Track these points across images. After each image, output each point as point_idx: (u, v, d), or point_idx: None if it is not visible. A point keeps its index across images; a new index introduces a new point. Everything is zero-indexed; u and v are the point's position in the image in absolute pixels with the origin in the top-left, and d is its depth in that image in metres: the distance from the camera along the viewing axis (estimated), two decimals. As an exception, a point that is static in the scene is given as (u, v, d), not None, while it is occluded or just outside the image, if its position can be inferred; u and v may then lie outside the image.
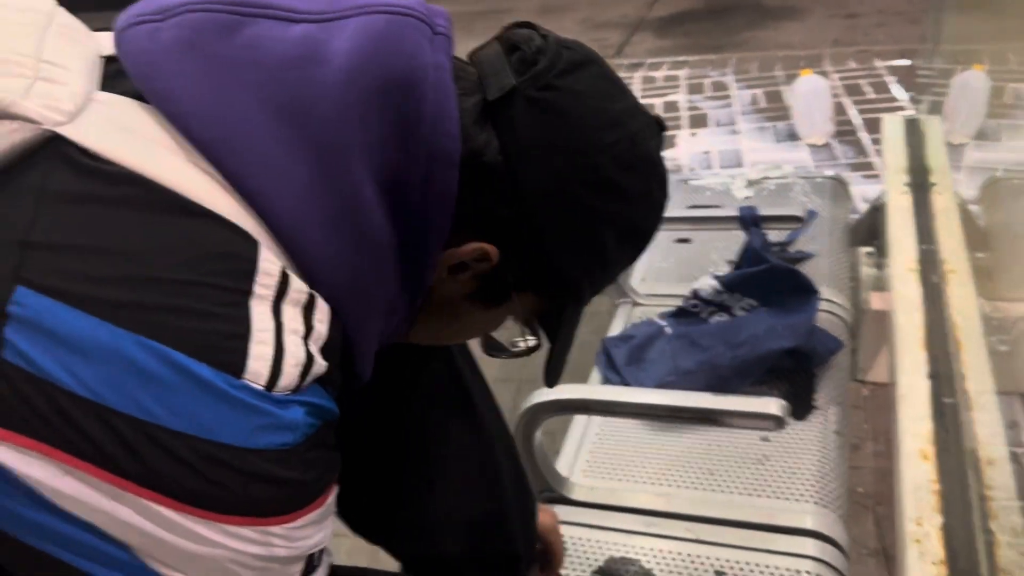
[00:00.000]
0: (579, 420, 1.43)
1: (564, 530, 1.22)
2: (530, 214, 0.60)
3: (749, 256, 1.53)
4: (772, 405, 1.08)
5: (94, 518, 0.46)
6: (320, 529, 0.55)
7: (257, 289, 0.49)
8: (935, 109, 2.70)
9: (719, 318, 1.52)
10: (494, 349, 0.76)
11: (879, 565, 1.65)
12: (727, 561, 1.14)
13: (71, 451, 0.45)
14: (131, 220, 0.48)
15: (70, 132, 0.48)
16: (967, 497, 1.16)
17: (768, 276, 1.47)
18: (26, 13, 0.55)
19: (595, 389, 1.28)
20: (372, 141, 0.54)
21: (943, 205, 1.80)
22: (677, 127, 3.66)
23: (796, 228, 1.66)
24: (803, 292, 1.46)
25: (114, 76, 0.54)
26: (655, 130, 0.65)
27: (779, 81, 3.93)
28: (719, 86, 4.02)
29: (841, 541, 1.18)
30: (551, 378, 0.73)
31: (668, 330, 1.52)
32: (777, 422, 1.08)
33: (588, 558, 1.17)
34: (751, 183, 2.05)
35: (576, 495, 1.27)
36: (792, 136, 3.34)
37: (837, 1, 5.30)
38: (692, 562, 1.15)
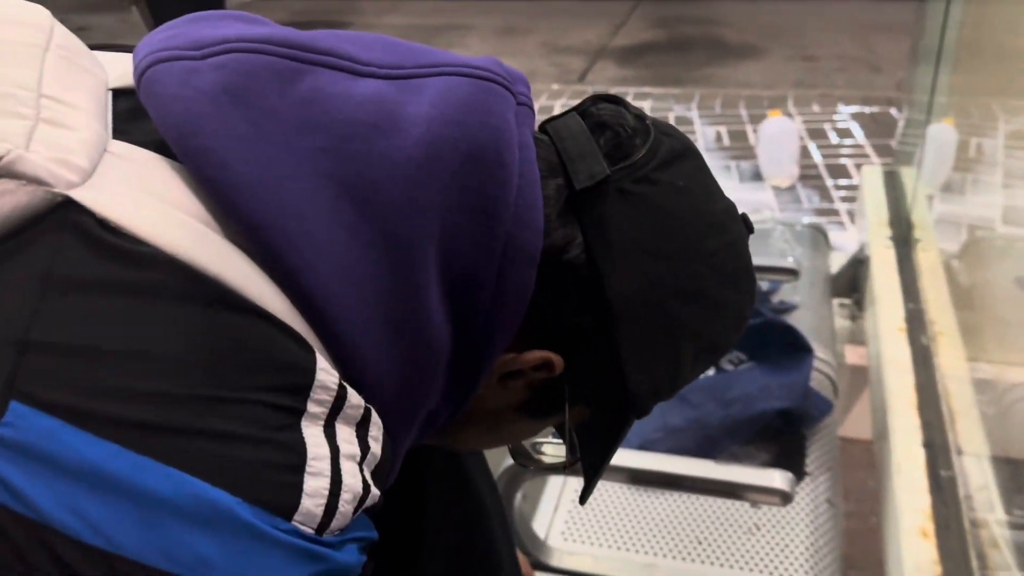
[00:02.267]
0: (555, 479, 1.33)
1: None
2: (610, 323, 0.51)
3: (741, 308, 1.46)
4: (778, 479, 1.00)
5: None
6: None
7: (311, 407, 0.39)
8: (906, 160, 2.69)
9: (707, 373, 1.44)
10: (522, 457, 0.66)
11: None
12: (719, 644, 1.05)
13: None
14: (161, 316, 0.37)
15: (84, 196, 0.37)
16: (971, 581, 1.10)
17: (761, 330, 1.40)
18: (17, 28, 0.43)
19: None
20: (446, 230, 0.44)
21: (929, 262, 1.77)
22: (640, 159, 3.61)
23: (785, 280, 1.59)
24: (796, 349, 1.39)
25: (127, 117, 0.43)
26: (746, 233, 0.57)
27: (743, 120, 3.93)
28: (683, 120, 3.99)
29: (838, 626, 1.10)
30: (585, 497, 0.65)
31: (651, 381, 1.44)
32: (784, 497, 1.00)
33: (568, 635, 1.08)
34: (730, 226, 1.98)
35: (554, 561, 1.17)
36: (756, 176, 3.32)
37: (795, 43, 5.36)
38: (682, 644, 1.06)
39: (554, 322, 0.51)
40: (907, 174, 2.13)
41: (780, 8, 6.24)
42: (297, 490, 0.37)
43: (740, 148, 3.61)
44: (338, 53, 0.46)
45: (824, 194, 3.15)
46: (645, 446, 1.29)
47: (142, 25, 3.01)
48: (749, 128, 3.74)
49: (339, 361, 0.42)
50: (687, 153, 0.53)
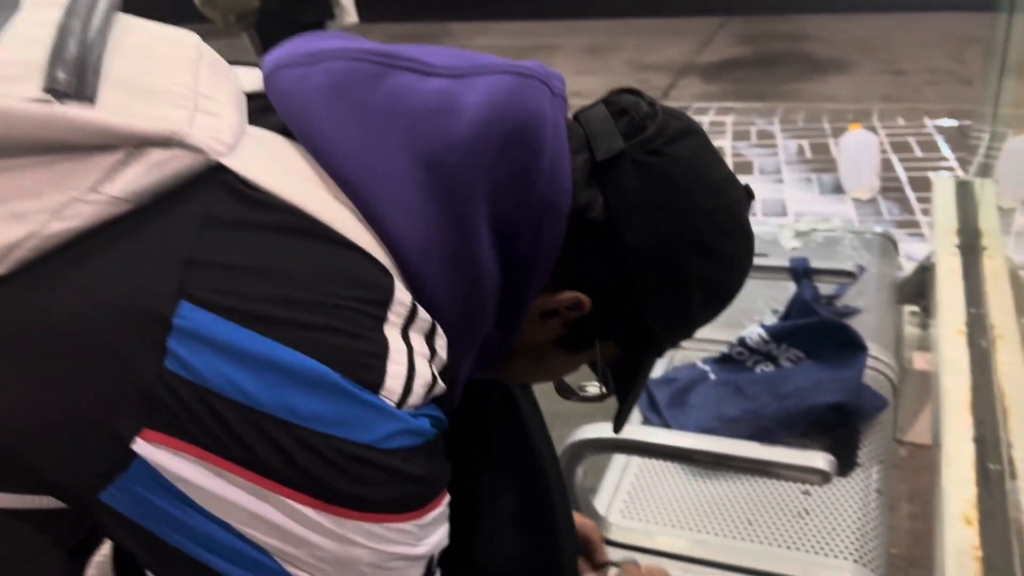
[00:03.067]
0: (619, 459, 1.43)
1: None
2: (628, 270, 0.63)
3: (798, 307, 1.53)
4: (819, 459, 1.08)
5: (236, 518, 0.49)
6: (440, 528, 0.59)
7: (391, 316, 0.52)
8: (986, 172, 2.69)
9: (764, 367, 1.52)
10: (566, 391, 0.78)
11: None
12: (763, 614, 1.13)
13: (225, 455, 0.48)
14: (285, 245, 0.51)
15: (231, 162, 0.51)
16: (1011, 565, 1.15)
17: (817, 329, 1.47)
18: (178, 46, 0.58)
19: (639, 430, 1.28)
20: (493, 190, 0.57)
21: (994, 269, 1.80)
22: (721, 172, 3.67)
23: (845, 283, 1.66)
24: (852, 348, 1.45)
25: (258, 112, 0.57)
26: (747, 199, 0.68)
27: (826, 133, 3.94)
28: (765, 134, 4.03)
29: (880, 602, 1.16)
30: (619, 424, 0.75)
31: (712, 376, 1.52)
32: (823, 477, 1.08)
33: (622, 600, 1.17)
34: (799, 234, 2.05)
35: (612, 535, 1.26)
36: (837, 189, 3.34)
37: (886, 57, 5.32)
38: (727, 611, 1.14)
39: (582, 269, 0.63)
40: (980, 185, 2.15)
41: (872, 22, 6.18)
42: (382, 371, 0.50)
43: (822, 161, 3.63)
44: (414, 59, 0.60)
45: (905, 206, 3.15)
46: (701, 433, 1.38)
47: (251, 49, 3.26)
48: (831, 141, 3.76)
49: (412, 286, 0.55)
50: (691, 132, 0.65)
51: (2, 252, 0.47)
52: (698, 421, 1.42)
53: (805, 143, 3.87)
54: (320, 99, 0.56)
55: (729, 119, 4.28)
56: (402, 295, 0.53)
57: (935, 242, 1.96)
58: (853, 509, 1.30)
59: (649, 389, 1.52)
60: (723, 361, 1.55)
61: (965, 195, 2.14)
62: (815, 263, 1.59)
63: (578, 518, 1.09)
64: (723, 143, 3.99)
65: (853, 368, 1.41)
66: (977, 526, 1.20)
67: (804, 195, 3.35)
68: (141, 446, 0.47)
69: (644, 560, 1.23)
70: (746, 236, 0.68)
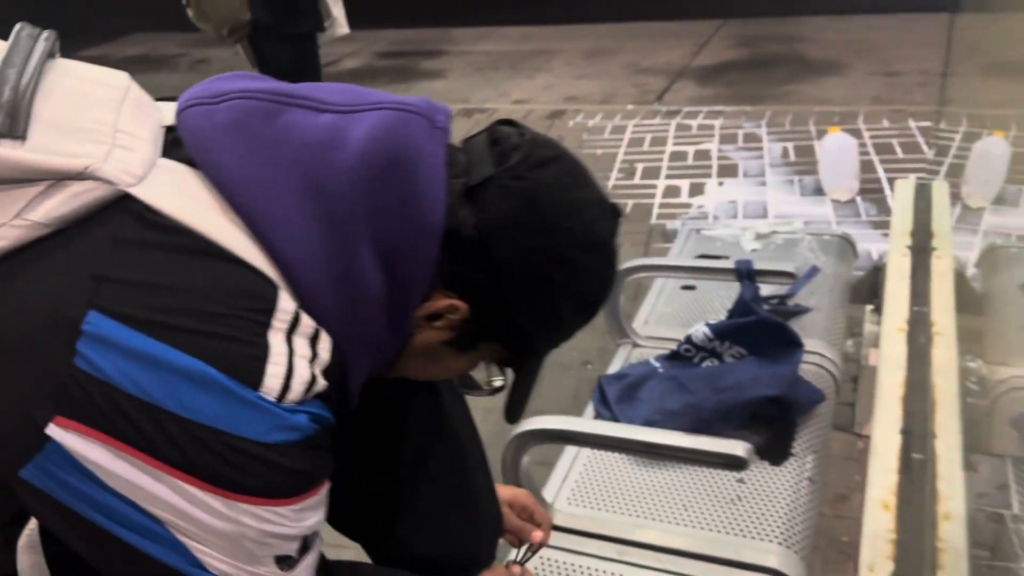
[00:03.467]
0: (570, 450, 1.52)
1: (543, 552, 1.31)
2: (498, 281, 0.71)
3: (740, 307, 1.62)
4: (738, 447, 1.17)
5: (136, 495, 0.58)
6: (315, 514, 0.68)
7: (275, 323, 0.61)
8: (955, 172, 2.76)
9: (710, 363, 1.60)
10: (467, 387, 0.87)
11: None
12: (691, 591, 1.22)
13: (125, 440, 0.57)
14: (182, 263, 0.60)
15: (138, 192, 0.61)
16: (921, 548, 1.23)
17: (756, 327, 1.55)
18: (105, 88, 0.67)
19: (575, 421, 1.36)
20: (374, 213, 0.66)
21: (941, 269, 1.87)
22: (707, 176, 3.75)
23: (788, 283, 1.74)
24: (788, 345, 1.54)
25: (172, 144, 0.66)
26: (610, 216, 0.76)
27: (811, 135, 4.01)
28: (751, 137, 4.10)
29: (801, 581, 1.25)
30: (510, 416, 0.84)
31: (661, 371, 1.61)
32: (740, 463, 1.16)
33: (562, 580, 1.26)
34: (760, 236, 2.13)
35: (557, 520, 1.35)
36: (818, 191, 3.41)
37: (879, 58, 5.36)
38: (657, 590, 1.23)
39: (459, 278, 0.71)
40: (938, 187, 2.22)
41: (868, 24, 6.22)
42: (262, 372, 0.59)
43: (805, 163, 3.70)
44: (309, 97, 0.68)
45: (882, 207, 3.22)
46: (646, 425, 1.47)
47: (246, 61, 3.37)
48: (816, 144, 3.82)
49: (299, 297, 0.64)
50: (555, 159, 0.73)
51: None
52: (644, 415, 1.51)
53: (790, 145, 3.94)
54: (220, 134, 0.65)
55: (718, 122, 4.35)
56: (286, 304, 0.62)
57: (889, 243, 2.04)
58: (784, 496, 1.39)
59: (601, 385, 1.61)
60: (672, 358, 1.64)
61: (922, 197, 2.21)
62: (761, 265, 1.67)
63: (512, 490, 1.17)
64: (710, 146, 4.06)
65: (789, 364, 1.50)
66: (894, 511, 1.28)
67: (786, 197, 3.43)
68: (53, 430, 0.57)
69: (587, 544, 1.32)
70: (605, 250, 0.76)
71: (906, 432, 1.44)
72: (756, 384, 1.46)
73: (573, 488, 1.44)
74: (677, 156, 4.04)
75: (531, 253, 0.71)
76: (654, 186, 3.74)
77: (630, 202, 3.61)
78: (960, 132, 2.90)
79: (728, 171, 3.76)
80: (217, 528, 0.60)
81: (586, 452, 1.51)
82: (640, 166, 3.98)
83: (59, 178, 0.59)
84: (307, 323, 0.64)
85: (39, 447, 0.57)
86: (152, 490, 0.58)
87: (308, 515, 0.66)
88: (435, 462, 0.98)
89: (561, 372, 2.47)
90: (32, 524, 0.66)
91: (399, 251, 0.67)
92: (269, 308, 0.61)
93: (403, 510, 0.98)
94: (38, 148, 0.59)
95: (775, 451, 1.44)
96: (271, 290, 0.62)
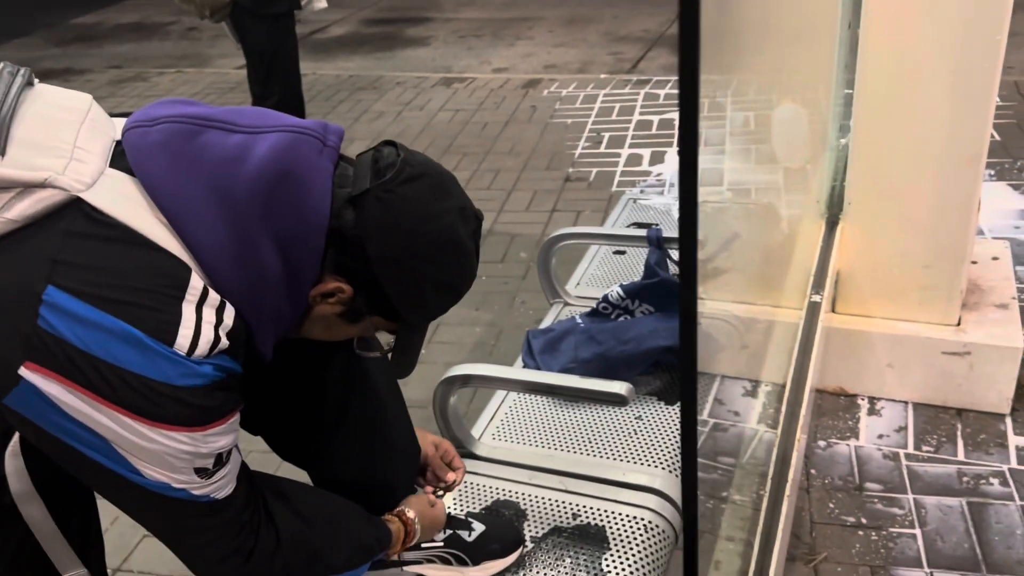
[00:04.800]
0: (498, 396, 1.76)
1: (468, 478, 1.54)
2: (372, 269, 0.92)
3: (647, 270, 1.84)
4: (619, 387, 1.40)
5: (86, 420, 0.81)
6: (224, 438, 0.89)
7: (187, 296, 0.83)
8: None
9: (624, 319, 1.83)
10: (362, 349, 1.09)
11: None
12: (584, 507, 1.46)
13: (74, 380, 0.79)
14: (116, 250, 0.81)
15: (88, 196, 0.82)
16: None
17: (659, 287, 1.78)
18: (69, 112, 0.87)
19: (491, 368, 1.59)
20: (271, 212, 0.86)
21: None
22: (670, 144, 3.95)
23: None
24: (686, 302, 1.76)
25: (119, 155, 0.87)
26: (469, 220, 0.96)
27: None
28: (716, 106, 4.29)
29: (678, 500, 1.48)
30: (398, 372, 1.06)
31: (581, 326, 1.84)
32: (621, 400, 1.40)
33: (480, 500, 1.50)
34: (688, 205, 2.34)
35: (479, 451, 1.59)
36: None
37: (850, 27, 5.53)
38: (557, 506, 1.47)
39: (343, 266, 0.92)
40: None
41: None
42: (174, 334, 0.81)
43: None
44: (224, 120, 0.89)
45: (826, 175, 3.42)
46: (563, 372, 1.70)
47: (231, 37, 3.57)
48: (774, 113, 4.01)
49: (208, 277, 0.85)
50: (421, 176, 0.93)
51: None
52: (561, 363, 1.74)
53: (751, 115, 4.13)
54: (151, 151, 0.86)
55: (684, 92, 4.53)
56: (196, 282, 0.83)
57: (803, 211, 2.26)
58: (673, 430, 1.62)
59: (528, 338, 1.84)
60: (592, 315, 1.87)
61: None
62: (667, 233, 1.89)
63: (438, 439, 1.41)
64: (675, 115, 4.24)
65: (685, 318, 1.72)
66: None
67: (741, 165, 3.63)
68: (24, 372, 0.79)
69: (502, 470, 1.56)
70: (460, 248, 0.95)
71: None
72: (654, 336, 1.69)
73: (497, 426, 1.68)
74: (643, 125, 4.24)
75: (397, 250, 0.92)
76: (618, 155, 3.95)
77: (594, 170, 3.82)
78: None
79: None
80: (145, 447, 0.83)
81: (511, 397, 1.75)
82: (607, 135, 4.18)
83: (27, 186, 0.80)
84: (214, 297, 0.85)
85: (15, 383, 0.79)
86: (96, 417, 0.81)
87: (216, 439, 0.87)
88: (356, 403, 1.21)
89: (518, 330, 2.71)
90: (15, 437, 0.90)
91: (292, 243, 0.88)
92: (182, 285, 0.82)
93: (329, 440, 1.22)
94: (12, 163, 0.80)
95: (669, 393, 1.68)
96: (185, 271, 0.83)
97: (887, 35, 1.96)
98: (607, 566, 1.35)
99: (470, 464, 1.58)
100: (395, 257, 0.92)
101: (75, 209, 0.82)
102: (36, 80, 0.90)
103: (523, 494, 1.51)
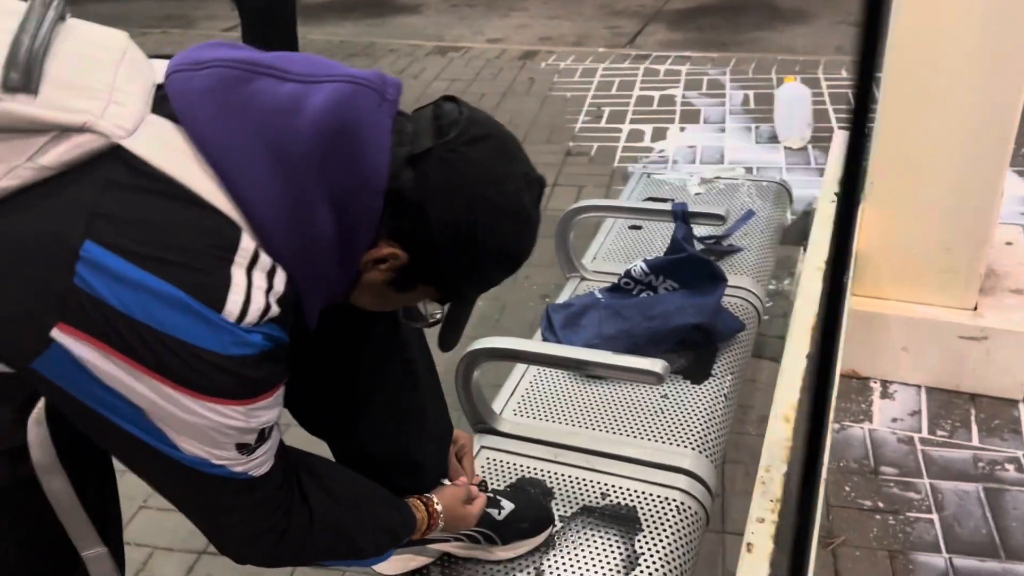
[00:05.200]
0: (517, 371, 1.71)
1: (489, 454, 1.50)
2: (431, 236, 0.85)
3: (673, 245, 1.80)
4: (656, 364, 1.35)
5: (121, 388, 0.74)
6: (268, 412, 0.83)
7: (237, 259, 0.75)
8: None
9: (646, 295, 1.78)
10: (411, 318, 1.03)
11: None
12: (612, 486, 1.42)
13: (111, 345, 0.72)
14: (161, 205, 0.74)
15: (128, 144, 0.74)
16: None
17: (686, 263, 1.73)
18: (105, 50, 0.80)
19: (519, 341, 1.54)
20: (326, 171, 0.79)
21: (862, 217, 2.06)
22: (671, 121, 3.90)
23: (720, 224, 1.92)
24: (713, 279, 1.72)
25: (160, 100, 0.79)
26: (533, 187, 0.90)
27: (772, 84, 4.15)
28: (715, 84, 4.24)
29: (709, 481, 1.45)
30: (443, 345, 1.00)
31: (602, 301, 1.79)
32: (658, 378, 1.35)
33: (504, 477, 1.45)
34: (704, 181, 2.30)
35: (502, 427, 1.54)
36: (773, 138, 3.58)
37: (848, 8, 5.48)
38: (584, 485, 1.42)
39: (400, 231, 0.86)
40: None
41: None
42: (224, 299, 0.74)
43: (764, 111, 3.86)
44: (276, 67, 0.81)
45: (831, 156, 3.39)
46: (587, 348, 1.65)
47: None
48: (776, 92, 3.97)
49: (259, 238, 0.77)
50: (486, 136, 0.87)
51: None
52: (584, 339, 1.69)
53: (751, 93, 4.09)
54: (198, 97, 0.78)
55: (684, 68, 4.48)
56: (247, 244, 0.76)
57: (821, 190, 2.22)
58: (701, 410, 1.58)
59: (548, 312, 1.79)
60: (612, 290, 1.82)
61: (854, 148, 2.39)
62: (700, 208, 1.84)
63: (458, 432, 1.34)
64: (675, 92, 4.20)
65: (713, 296, 1.68)
66: (793, 423, 1.48)
67: (742, 144, 3.59)
68: (56, 334, 0.72)
69: (526, 447, 1.51)
70: (523, 216, 0.90)
71: (811, 358, 1.63)
72: (681, 313, 1.65)
73: (519, 401, 1.63)
74: (643, 100, 4.18)
75: (459, 216, 0.85)
76: (619, 130, 3.89)
77: (595, 145, 3.76)
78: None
79: (690, 117, 3.91)
80: (186, 419, 0.76)
81: (532, 372, 1.70)
82: (607, 110, 4.12)
83: (64, 130, 0.72)
84: (265, 260, 0.78)
85: (46, 346, 0.72)
86: (133, 386, 0.74)
87: (261, 413, 0.81)
88: (391, 376, 1.15)
89: (521, 305, 2.66)
90: (40, 404, 0.82)
91: (348, 204, 0.81)
92: (232, 246, 0.75)
93: (360, 414, 1.16)
94: (47, 104, 0.72)
95: (696, 372, 1.64)
96: (235, 231, 0.76)
97: (916, 12, 1.91)
98: (640, 547, 1.31)
99: (491, 440, 1.53)
100: (456, 223, 0.86)
101: (115, 158, 0.74)
102: (68, 14, 0.82)
103: (549, 472, 1.46)
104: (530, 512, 1.33)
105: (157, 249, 0.72)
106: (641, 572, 1.27)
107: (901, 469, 1.98)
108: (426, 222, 0.85)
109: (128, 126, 0.75)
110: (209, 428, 0.78)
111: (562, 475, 1.45)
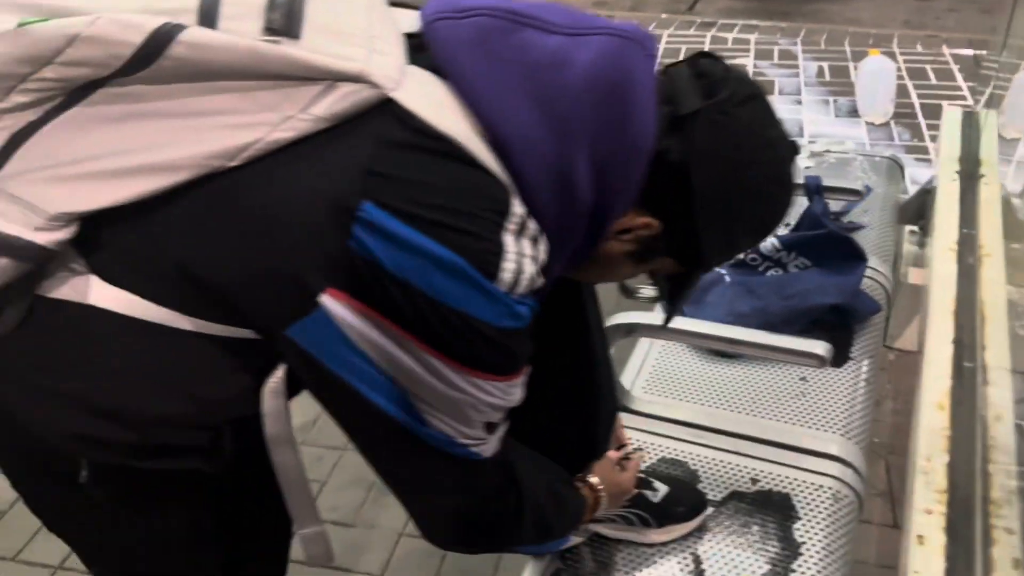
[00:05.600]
0: (641, 347, 1.64)
1: (626, 433, 1.44)
2: (691, 205, 0.78)
3: (809, 221, 1.72)
4: (819, 347, 1.29)
5: (382, 358, 0.68)
6: (520, 390, 0.78)
7: (508, 224, 0.69)
8: (994, 102, 2.83)
9: (774, 272, 1.71)
10: (628, 292, 0.96)
11: (884, 504, 1.87)
12: (762, 472, 1.36)
13: (382, 312, 0.66)
14: (436, 164, 0.67)
15: (398, 96, 0.67)
16: (973, 444, 1.37)
17: (824, 240, 1.66)
18: None
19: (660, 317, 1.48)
20: (594, 131, 0.72)
21: (988, 195, 1.97)
22: (742, 91, 3.80)
23: (852, 200, 1.84)
24: (853, 258, 1.64)
25: (414, 50, 0.72)
26: (793, 151, 0.83)
27: (846, 56, 4.04)
28: (787, 55, 4.13)
29: (860, 468, 1.39)
30: (668, 319, 0.97)
31: (727, 278, 1.72)
32: (821, 361, 1.29)
33: (644, 458, 1.40)
34: (814, 155, 2.22)
35: (635, 405, 1.48)
36: (852, 112, 3.47)
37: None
38: (732, 469, 1.37)
39: (657, 200, 0.79)
40: (984, 116, 2.30)
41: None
42: (498, 267, 0.67)
43: (840, 84, 3.75)
44: (539, 18, 0.74)
45: (915, 132, 3.29)
46: (718, 326, 1.58)
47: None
48: (851, 65, 3.86)
49: (526, 202, 0.71)
50: (754, 96, 0.79)
51: (238, 151, 0.65)
52: (713, 316, 1.62)
53: (825, 65, 3.98)
54: (464, 48, 0.71)
55: (753, 37, 4.36)
56: (517, 208, 0.70)
57: (938, 168, 2.13)
58: (843, 394, 1.52)
59: (671, 286, 1.72)
60: (738, 266, 1.75)
61: (970, 125, 2.30)
62: (834, 182, 1.76)
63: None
64: (746, 61, 4.09)
65: (853, 275, 1.61)
66: (948, 411, 1.42)
67: (820, 117, 3.49)
68: (325, 299, 0.66)
69: (661, 426, 1.45)
70: (787, 185, 0.83)
71: (957, 343, 1.56)
72: (820, 292, 1.58)
73: (647, 378, 1.57)
74: (711, 70, 4.07)
75: (726, 184, 0.78)
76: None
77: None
78: (1001, 63, 2.95)
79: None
80: (446, 394, 0.71)
81: (656, 349, 1.63)
82: (675, 78, 4.01)
83: (334, 79, 0.65)
84: (532, 226, 0.72)
85: (307, 311, 0.66)
86: (397, 356, 0.68)
87: (516, 391, 0.76)
88: (572, 346, 1.09)
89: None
90: (280, 373, 0.76)
91: (611, 168, 0.74)
92: (504, 210, 0.69)
93: (538, 384, 1.09)
94: (314, 49, 0.66)
95: (835, 354, 1.57)
96: (505, 194, 0.70)
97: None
98: (799, 536, 1.25)
99: (625, 418, 1.47)
100: (722, 190, 0.78)
101: (384, 111, 0.67)
102: None
103: (691, 454, 1.40)
104: (686, 496, 1.27)
105: (435, 212, 0.66)
106: (804, 562, 1.22)
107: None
108: (687, 190, 0.78)
109: (395, 77, 0.68)
110: (466, 404, 0.72)
111: (706, 458, 1.39)
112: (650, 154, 0.75)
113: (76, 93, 0.66)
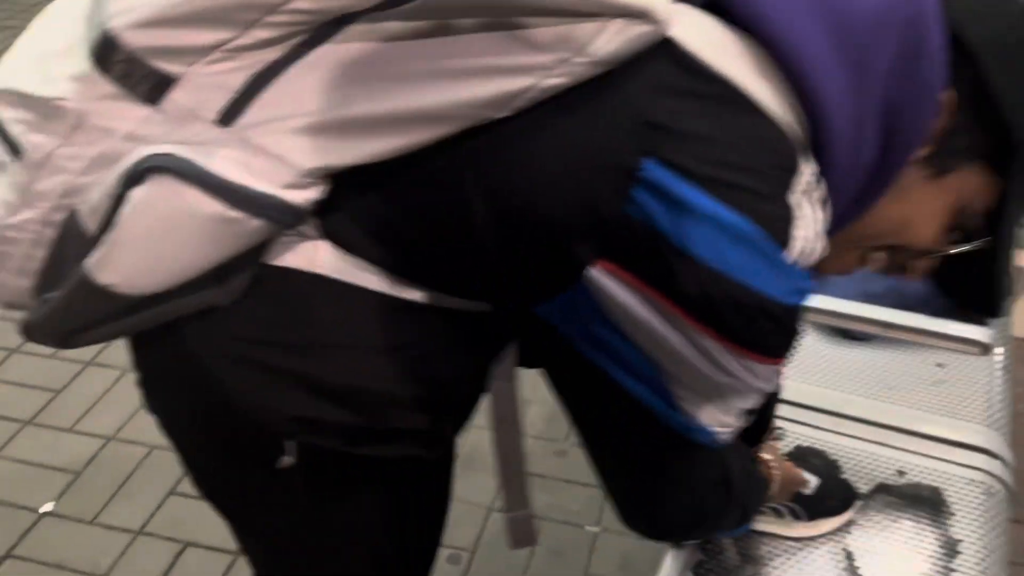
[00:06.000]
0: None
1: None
2: (975, 66, 0.66)
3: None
4: (984, 334, 1.22)
5: (646, 339, 0.60)
6: (781, 374, 0.70)
7: (795, 185, 0.60)
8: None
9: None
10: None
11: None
12: (908, 463, 1.29)
13: (658, 286, 0.59)
14: (721, 114, 0.59)
15: (676, 35, 0.59)
16: None
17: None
18: None
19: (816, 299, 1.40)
20: (891, 68, 0.63)
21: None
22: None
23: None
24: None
25: None
26: None
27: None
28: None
29: (1009, 460, 1.32)
30: (991, 311, 0.82)
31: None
32: (983, 348, 1.22)
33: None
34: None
35: (766, 390, 1.42)
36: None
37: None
38: (874, 460, 1.30)
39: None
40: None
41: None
42: (788, 234, 0.59)
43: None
44: None
45: None
46: (847, 307, 1.51)
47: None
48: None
49: (816, 156, 0.63)
50: None
51: (509, 98, 0.57)
52: (843, 295, 1.54)
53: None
54: None
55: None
56: (804, 167, 0.61)
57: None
58: (981, 382, 1.44)
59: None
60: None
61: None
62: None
63: None
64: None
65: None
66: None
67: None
68: (594, 272, 0.59)
69: (796, 412, 1.39)
70: None
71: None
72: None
73: (773, 360, 1.50)
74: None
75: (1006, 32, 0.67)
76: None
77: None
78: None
79: None
80: (711, 378, 0.63)
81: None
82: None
83: (615, 14, 0.57)
84: (820, 189, 0.63)
85: (570, 286, 0.60)
86: (664, 335, 0.60)
87: (781, 374, 0.69)
88: None
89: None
90: (511, 350, 0.70)
91: (898, 112, 0.64)
92: (792, 168, 0.60)
93: None
94: None
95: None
96: (794, 150, 0.61)
97: None
98: (956, 534, 1.19)
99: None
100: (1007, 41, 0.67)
101: (662, 52, 0.59)
102: None
103: (830, 442, 1.33)
104: (836, 488, 1.21)
105: (723, 171, 0.58)
106: (963, 562, 1.16)
107: None
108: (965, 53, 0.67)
109: (669, 10, 0.60)
110: (733, 390, 0.65)
111: (847, 447, 1.32)
112: (941, 91, 0.65)
113: (323, 29, 0.57)
